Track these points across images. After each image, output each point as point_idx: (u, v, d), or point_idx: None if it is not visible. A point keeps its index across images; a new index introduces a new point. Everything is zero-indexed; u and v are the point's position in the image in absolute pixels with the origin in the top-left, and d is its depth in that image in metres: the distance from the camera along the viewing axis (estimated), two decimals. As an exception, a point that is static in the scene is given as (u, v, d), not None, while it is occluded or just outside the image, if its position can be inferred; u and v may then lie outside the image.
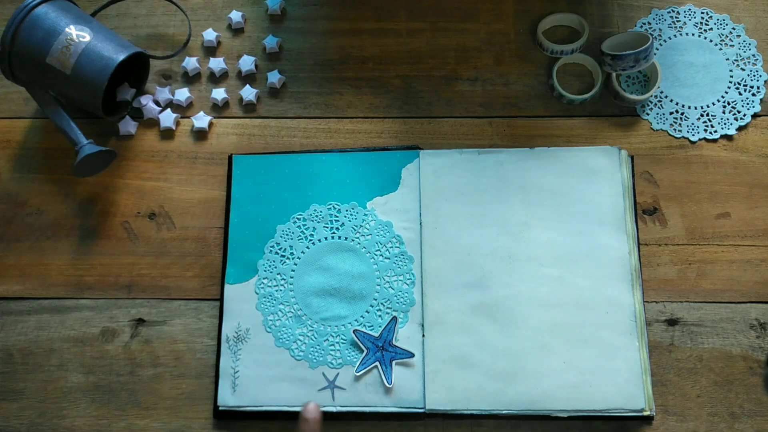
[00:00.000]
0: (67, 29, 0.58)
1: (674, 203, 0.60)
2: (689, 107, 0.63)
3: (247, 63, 0.65)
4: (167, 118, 0.64)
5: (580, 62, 0.65)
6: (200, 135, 0.64)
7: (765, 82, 0.63)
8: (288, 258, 0.59)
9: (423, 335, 0.56)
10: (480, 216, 0.59)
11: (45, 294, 0.61)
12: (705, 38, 0.65)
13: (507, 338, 0.56)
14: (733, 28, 0.65)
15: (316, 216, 0.60)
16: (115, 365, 0.58)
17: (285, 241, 0.60)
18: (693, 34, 0.65)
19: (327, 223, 0.60)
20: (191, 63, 0.66)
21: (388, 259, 0.59)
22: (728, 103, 0.63)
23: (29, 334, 0.60)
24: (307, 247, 0.59)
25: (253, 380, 0.56)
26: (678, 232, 0.60)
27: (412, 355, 0.56)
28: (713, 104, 0.63)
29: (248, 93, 0.64)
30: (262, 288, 0.58)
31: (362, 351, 0.56)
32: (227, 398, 0.56)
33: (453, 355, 0.56)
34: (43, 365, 0.59)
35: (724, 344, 0.57)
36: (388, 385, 0.55)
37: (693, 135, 0.62)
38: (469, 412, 0.54)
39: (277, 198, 0.61)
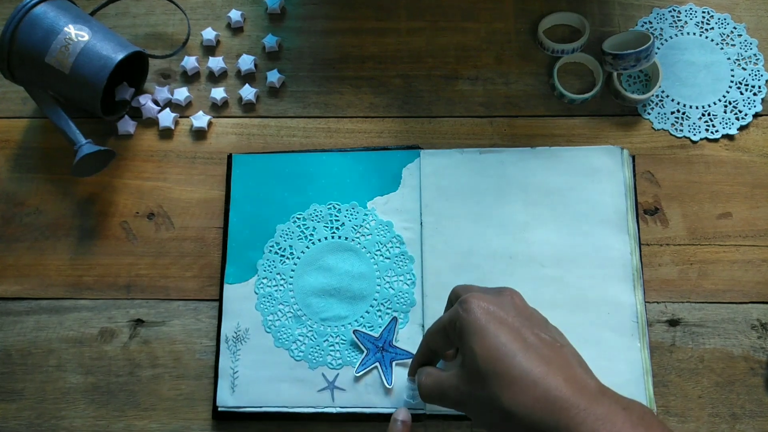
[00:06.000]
0: (65, 28, 0.58)
1: (675, 203, 0.60)
2: (690, 107, 0.63)
3: (246, 62, 0.65)
4: (166, 117, 0.64)
5: (581, 61, 0.65)
6: (199, 134, 0.64)
7: (766, 81, 0.63)
8: (288, 258, 0.59)
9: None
10: (481, 216, 0.59)
11: (43, 294, 0.60)
12: (706, 37, 0.65)
13: (508, 339, 0.55)
14: (735, 28, 0.65)
15: (316, 216, 0.60)
16: (113, 366, 0.58)
17: (285, 240, 0.59)
18: (694, 34, 0.65)
19: (327, 223, 0.60)
20: (190, 62, 0.65)
21: (389, 259, 0.58)
22: (729, 103, 0.63)
23: (28, 334, 0.59)
24: (307, 247, 0.59)
25: (252, 381, 0.56)
26: (679, 232, 0.60)
27: (413, 356, 0.55)
28: (714, 104, 0.63)
29: (247, 92, 0.64)
30: (262, 288, 0.58)
31: (362, 351, 0.56)
32: (226, 399, 0.56)
33: (453, 356, 0.55)
34: (41, 366, 0.58)
35: (725, 345, 0.57)
36: (388, 386, 0.55)
37: (694, 135, 0.62)
38: (469, 412, 0.54)
39: (277, 197, 0.60)
